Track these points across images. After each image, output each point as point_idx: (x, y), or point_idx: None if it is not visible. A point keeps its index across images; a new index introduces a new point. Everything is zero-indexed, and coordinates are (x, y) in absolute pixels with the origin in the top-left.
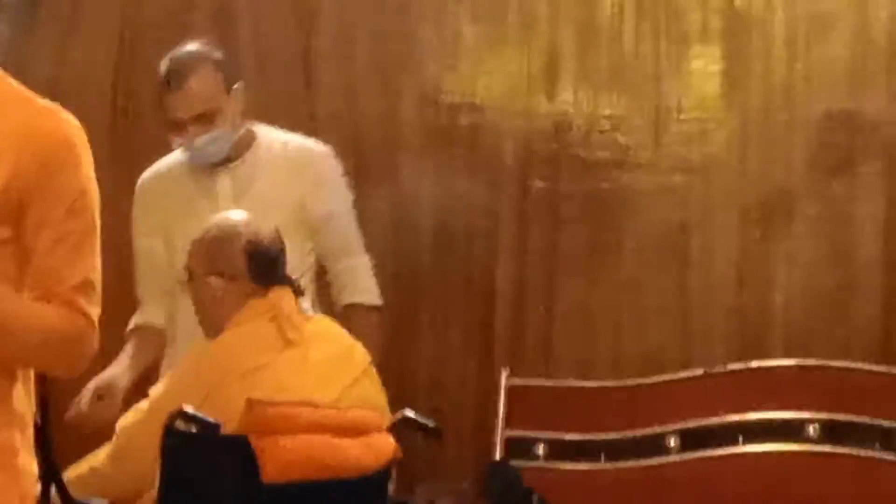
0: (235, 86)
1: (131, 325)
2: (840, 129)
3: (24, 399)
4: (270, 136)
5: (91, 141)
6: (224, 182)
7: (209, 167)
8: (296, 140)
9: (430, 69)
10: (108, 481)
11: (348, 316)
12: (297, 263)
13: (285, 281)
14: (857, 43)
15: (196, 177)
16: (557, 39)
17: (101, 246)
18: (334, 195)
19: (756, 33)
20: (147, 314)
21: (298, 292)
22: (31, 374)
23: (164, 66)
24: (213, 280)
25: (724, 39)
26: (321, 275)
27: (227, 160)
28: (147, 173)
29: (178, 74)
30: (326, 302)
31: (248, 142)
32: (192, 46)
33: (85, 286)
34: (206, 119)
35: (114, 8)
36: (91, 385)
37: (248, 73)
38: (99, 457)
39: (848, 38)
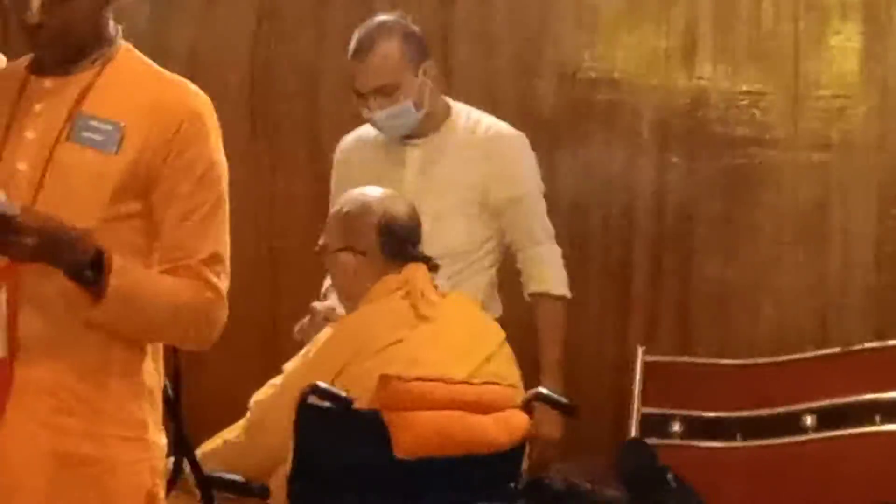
0: (424, 63)
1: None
2: None
3: (153, 373)
4: (466, 115)
5: (230, 112)
6: (414, 156)
7: (401, 139)
8: (489, 121)
9: (568, 44)
10: (243, 455)
11: (534, 305)
12: (471, 246)
13: (420, 257)
14: None
15: (390, 147)
16: (696, 14)
17: (236, 218)
18: (520, 181)
19: None
20: None
21: (433, 268)
22: (161, 347)
23: (354, 35)
24: (345, 255)
25: (863, 16)
26: (509, 262)
27: (419, 134)
28: (348, 137)
29: (362, 46)
30: (513, 290)
31: (442, 118)
32: (383, 17)
33: (214, 259)
34: (386, 92)
35: None
36: (319, 306)
37: None
38: (233, 431)
39: None
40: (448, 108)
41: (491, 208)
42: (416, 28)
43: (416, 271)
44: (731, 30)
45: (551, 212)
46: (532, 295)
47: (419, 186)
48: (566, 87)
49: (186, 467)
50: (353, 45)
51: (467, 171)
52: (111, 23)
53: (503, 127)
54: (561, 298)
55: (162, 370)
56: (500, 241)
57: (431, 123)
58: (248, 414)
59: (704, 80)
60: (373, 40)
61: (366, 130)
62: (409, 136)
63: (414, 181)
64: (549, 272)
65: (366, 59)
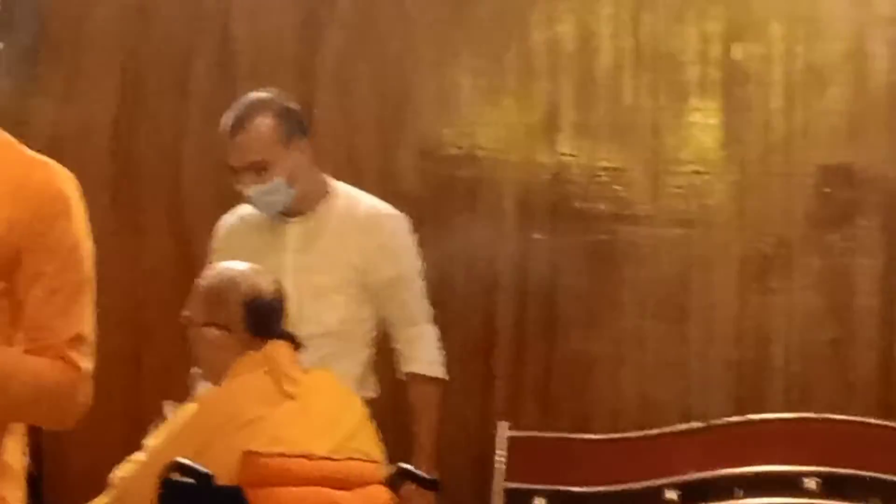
0: (299, 141)
1: None
2: (838, 182)
3: (15, 451)
4: (345, 193)
5: (92, 190)
6: (294, 233)
7: (281, 217)
8: (368, 202)
9: (429, 121)
10: None
11: (408, 385)
12: (350, 325)
13: (284, 334)
14: (855, 97)
15: (270, 225)
16: (556, 90)
17: (100, 293)
18: (398, 261)
19: (754, 87)
20: None
21: (297, 346)
22: (22, 426)
23: (229, 111)
24: (208, 330)
25: (722, 92)
26: (385, 341)
27: (297, 212)
28: (228, 215)
29: (235, 122)
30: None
31: (320, 195)
32: (259, 94)
33: (78, 340)
34: (259, 168)
35: (114, 60)
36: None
37: None
38: None
39: (846, 92)
40: (326, 186)
41: (370, 287)
42: (293, 105)
43: (278, 348)
44: (592, 106)
45: None
46: (407, 375)
47: (300, 264)
48: (428, 163)
49: None
50: (228, 120)
51: (347, 249)
52: None
53: (382, 207)
54: (434, 380)
55: (25, 448)
56: (378, 320)
57: (309, 201)
58: (110, 490)
59: (566, 155)
60: (245, 117)
61: (245, 209)
62: (287, 214)
63: (294, 259)
64: (423, 353)
65: (238, 135)
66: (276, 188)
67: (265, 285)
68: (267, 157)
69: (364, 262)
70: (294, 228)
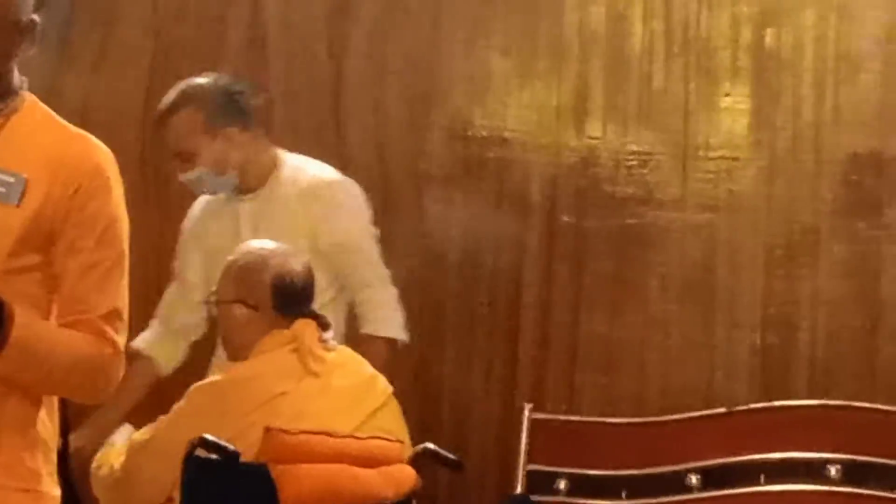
0: (227, 128)
1: None
2: (867, 170)
3: (47, 425)
4: (292, 165)
5: (122, 166)
6: (245, 210)
7: (236, 196)
8: (313, 170)
9: (459, 102)
10: (120, 491)
11: (361, 344)
12: (318, 293)
13: (311, 314)
14: (885, 83)
15: (227, 205)
16: (587, 74)
17: (130, 267)
18: (344, 225)
19: (785, 72)
20: None
21: (324, 326)
22: (55, 400)
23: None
24: (237, 308)
25: (753, 78)
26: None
27: (247, 190)
28: (194, 204)
29: (162, 111)
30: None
31: (268, 172)
32: (188, 82)
33: (113, 314)
34: (184, 158)
35: (145, 34)
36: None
37: (276, 103)
38: (112, 472)
39: (877, 79)
40: (275, 161)
41: (322, 254)
42: (227, 89)
43: (305, 327)
44: (622, 89)
45: (440, 268)
46: (360, 336)
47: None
48: (457, 143)
49: None
50: (158, 107)
51: (295, 220)
52: (16, 74)
53: (326, 174)
54: (387, 340)
55: (57, 422)
56: (340, 285)
57: (256, 179)
58: (124, 462)
59: (595, 139)
60: (171, 106)
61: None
62: (239, 192)
63: (249, 235)
64: (378, 314)
65: (165, 124)
66: (202, 177)
67: (294, 265)
68: (189, 148)
69: (310, 229)
70: (245, 207)
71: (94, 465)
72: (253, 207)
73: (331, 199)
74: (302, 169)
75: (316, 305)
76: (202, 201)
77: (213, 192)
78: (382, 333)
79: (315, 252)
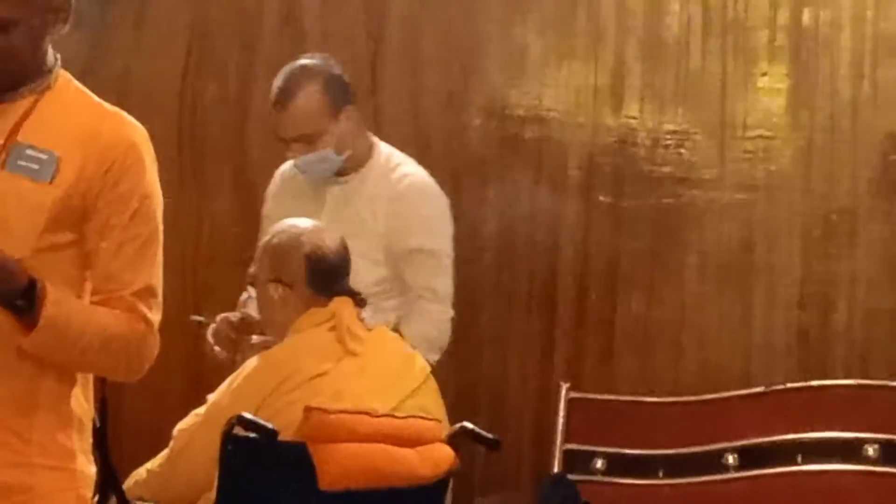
0: (346, 108)
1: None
2: None
3: (82, 403)
4: (387, 157)
5: (158, 145)
6: (332, 195)
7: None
8: (407, 169)
9: (497, 82)
10: (165, 484)
11: None
12: (376, 289)
13: (347, 291)
14: None
15: (312, 184)
16: (624, 53)
17: (166, 245)
18: (423, 235)
19: (823, 52)
20: None
21: (360, 303)
22: (90, 378)
23: (276, 81)
24: (273, 287)
25: (790, 58)
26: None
27: (342, 173)
28: (286, 165)
29: (282, 94)
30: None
31: (365, 158)
32: (304, 62)
33: (146, 292)
34: (308, 140)
35: (182, 13)
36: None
37: None
38: (157, 461)
39: None
40: (371, 148)
41: (393, 255)
42: (338, 71)
43: (343, 305)
44: (659, 69)
45: (477, 247)
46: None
47: (332, 226)
48: (494, 123)
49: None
50: (273, 91)
51: (375, 217)
52: (50, 51)
53: (418, 177)
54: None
55: (91, 400)
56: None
57: (353, 163)
58: (172, 443)
59: (632, 118)
60: (292, 89)
61: (292, 166)
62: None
63: (328, 220)
64: (421, 328)
65: (286, 108)
66: (325, 158)
67: (329, 242)
68: (315, 130)
69: (389, 229)
70: (334, 190)
71: None
72: (343, 191)
73: (419, 203)
74: (396, 164)
75: (373, 302)
76: (289, 177)
77: (319, 176)
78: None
79: (388, 252)
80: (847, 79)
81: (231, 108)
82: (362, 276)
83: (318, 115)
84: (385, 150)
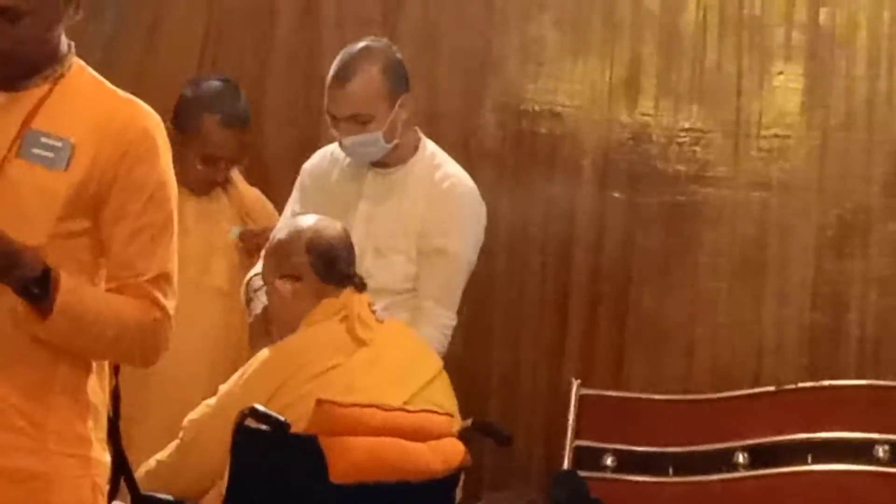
0: (402, 96)
1: None
2: None
3: (97, 391)
4: (432, 155)
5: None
6: (373, 185)
7: (368, 165)
8: (450, 170)
9: (512, 76)
10: (175, 474)
11: None
12: (405, 285)
13: (356, 280)
14: None
15: (355, 172)
16: (640, 50)
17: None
18: (451, 236)
19: (839, 51)
20: None
21: (360, 287)
22: (106, 366)
23: (338, 57)
24: (281, 283)
25: (806, 56)
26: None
27: (385, 164)
28: (320, 151)
29: (342, 72)
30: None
31: (410, 152)
32: (368, 43)
33: (161, 279)
34: (360, 121)
35: (199, 7)
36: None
37: (328, 70)
38: (167, 451)
39: None
40: (417, 143)
41: (421, 253)
42: (400, 57)
43: (354, 295)
44: (675, 67)
45: (490, 242)
46: None
47: (371, 217)
48: (509, 118)
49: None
50: (334, 67)
51: (412, 214)
52: (64, 40)
53: (461, 180)
54: None
55: (107, 388)
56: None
57: (399, 155)
58: (182, 434)
59: (647, 115)
60: (353, 68)
61: (336, 149)
62: (375, 164)
63: (367, 211)
64: (421, 330)
65: (344, 86)
66: (373, 141)
67: (328, 230)
68: (371, 111)
69: (423, 227)
70: (375, 180)
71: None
72: (385, 183)
73: (458, 206)
74: (440, 162)
75: (399, 298)
76: (333, 159)
77: (363, 160)
78: None
79: (417, 249)
80: (863, 78)
81: (248, 101)
82: (395, 270)
83: (374, 97)
84: (430, 148)
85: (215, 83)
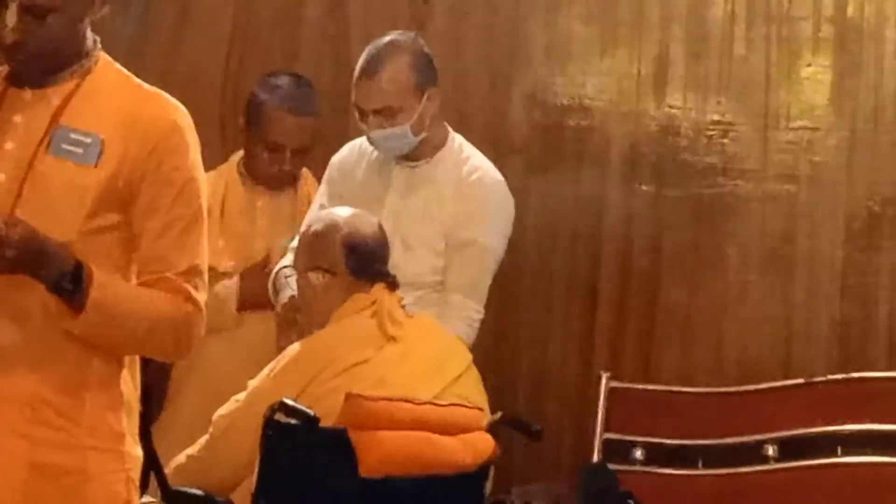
0: (430, 89)
1: None
2: None
3: (130, 386)
4: (459, 149)
5: (201, 128)
6: (400, 179)
7: (395, 159)
8: (478, 163)
9: (540, 70)
10: (205, 469)
11: None
12: (433, 278)
13: (388, 276)
14: None
15: (382, 166)
16: (668, 43)
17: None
18: (480, 228)
19: (867, 43)
20: None
21: (393, 286)
22: (137, 360)
23: (365, 51)
24: (314, 275)
25: (835, 49)
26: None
27: (413, 158)
28: (348, 145)
29: (370, 64)
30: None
31: (438, 145)
32: (396, 37)
33: (192, 272)
34: (387, 114)
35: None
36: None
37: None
38: (197, 446)
39: None
40: (445, 137)
41: (448, 246)
42: (427, 50)
43: (385, 291)
44: (703, 59)
45: (518, 235)
46: None
47: (398, 210)
48: (537, 111)
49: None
50: (362, 61)
51: (440, 207)
52: (89, 35)
53: (489, 173)
54: None
55: (139, 383)
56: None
57: (426, 149)
58: (212, 429)
59: (675, 108)
60: (382, 60)
61: (364, 143)
62: (402, 157)
63: (394, 204)
64: (448, 326)
65: (372, 78)
66: (401, 135)
67: (365, 226)
68: (398, 104)
69: (451, 220)
70: (402, 174)
71: None
72: (412, 176)
73: (486, 199)
74: (468, 155)
75: (427, 291)
76: (361, 152)
77: (390, 153)
78: None
79: (443, 239)
80: (891, 70)
81: None
82: (422, 263)
83: (403, 90)
84: (458, 141)
85: (284, 77)
